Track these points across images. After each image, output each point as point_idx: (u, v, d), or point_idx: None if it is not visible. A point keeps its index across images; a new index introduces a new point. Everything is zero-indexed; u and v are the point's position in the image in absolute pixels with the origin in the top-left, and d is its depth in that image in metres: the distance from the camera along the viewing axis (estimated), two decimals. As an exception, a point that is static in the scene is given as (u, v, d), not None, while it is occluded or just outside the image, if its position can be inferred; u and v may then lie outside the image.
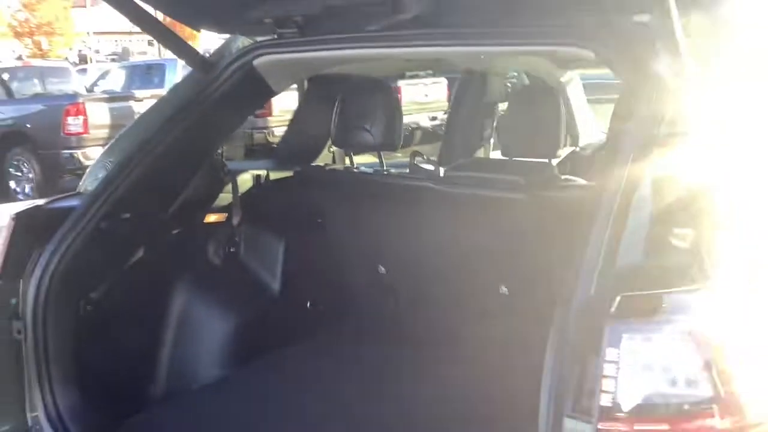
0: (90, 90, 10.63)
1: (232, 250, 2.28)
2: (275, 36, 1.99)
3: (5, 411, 1.83)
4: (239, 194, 2.30)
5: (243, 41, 2.09)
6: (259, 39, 2.04)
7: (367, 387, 1.95)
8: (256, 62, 2.00)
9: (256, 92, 2.12)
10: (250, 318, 2.21)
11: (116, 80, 11.41)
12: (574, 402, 1.06)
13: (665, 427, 1.01)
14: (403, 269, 2.29)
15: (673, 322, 1.05)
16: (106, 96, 9.11)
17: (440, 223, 2.12)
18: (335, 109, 2.26)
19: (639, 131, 1.35)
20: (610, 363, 1.03)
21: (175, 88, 2.27)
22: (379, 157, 2.29)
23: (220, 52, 2.11)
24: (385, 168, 2.31)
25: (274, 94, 2.15)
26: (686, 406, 1.03)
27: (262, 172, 2.43)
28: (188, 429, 1.92)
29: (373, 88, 2.26)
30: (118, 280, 1.98)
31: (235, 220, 2.26)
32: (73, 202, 1.91)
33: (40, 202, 1.91)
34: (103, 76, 12.13)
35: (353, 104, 2.25)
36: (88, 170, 2.05)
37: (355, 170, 2.34)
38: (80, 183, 2.03)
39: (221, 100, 2.04)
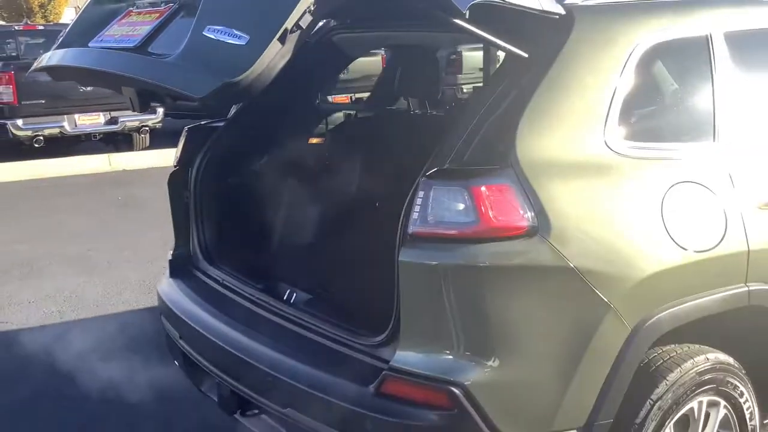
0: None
1: (326, 162, 3.44)
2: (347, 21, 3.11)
3: (180, 241, 3.14)
4: (334, 126, 3.48)
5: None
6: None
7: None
8: (335, 38, 3.13)
9: (339, 58, 3.26)
10: (334, 209, 3.35)
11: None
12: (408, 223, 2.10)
13: (442, 231, 2.03)
14: None
15: (459, 182, 2.06)
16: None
17: None
18: (398, 69, 3.35)
19: None
20: (420, 198, 2.06)
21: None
22: (424, 103, 3.35)
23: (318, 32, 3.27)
24: (429, 111, 3.38)
25: (351, 59, 3.27)
26: (458, 225, 2.03)
27: (353, 112, 3.58)
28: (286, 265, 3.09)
29: (421, 55, 3.31)
30: (249, 173, 3.22)
31: (327, 142, 3.43)
32: (221, 123, 3.17)
33: (203, 122, 3.21)
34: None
35: (409, 66, 3.32)
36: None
37: (411, 112, 3.43)
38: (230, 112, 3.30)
39: (317, 63, 3.20)
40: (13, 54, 11.69)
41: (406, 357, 2.10)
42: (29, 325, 4.79)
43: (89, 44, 2.62)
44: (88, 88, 10.88)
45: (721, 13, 2.65)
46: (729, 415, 2.55)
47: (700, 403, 2.44)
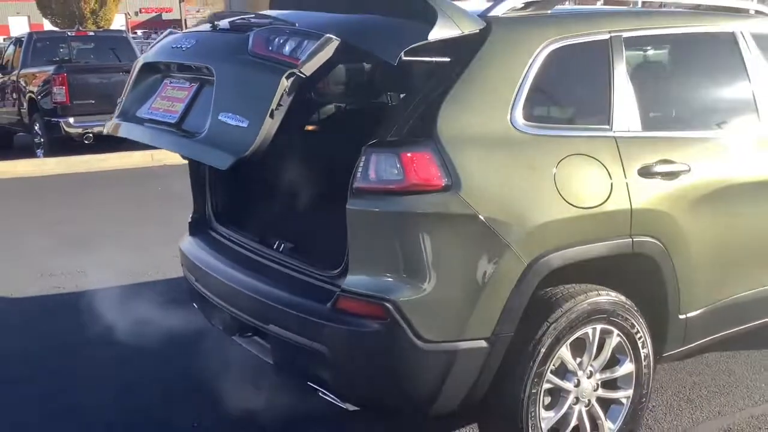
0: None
1: (318, 145, 4.17)
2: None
3: (197, 207, 3.89)
4: (327, 116, 4.21)
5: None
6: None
7: None
8: None
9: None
10: (320, 181, 4.01)
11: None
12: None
13: (379, 186, 2.73)
14: None
15: (392, 150, 2.75)
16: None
17: None
18: (377, 71, 4.07)
19: None
20: (363, 162, 2.76)
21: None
22: (399, 97, 4.06)
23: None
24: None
25: (338, 64, 3.99)
26: (390, 182, 2.72)
27: (343, 105, 4.30)
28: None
29: None
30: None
31: (320, 129, 4.16)
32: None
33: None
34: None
35: (385, 69, 4.02)
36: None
37: (389, 104, 4.14)
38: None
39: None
40: (66, 58, 12.67)
41: (353, 281, 2.81)
42: (79, 290, 5.62)
43: (143, 114, 3.50)
44: (134, 90, 11.91)
45: (620, 21, 3.32)
46: (623, 343, 3.20)
47: (594, 329, 3.10)
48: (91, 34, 14.65)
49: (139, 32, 73.53)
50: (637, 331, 3.20)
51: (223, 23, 3.35)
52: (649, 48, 3.42)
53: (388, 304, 2.73)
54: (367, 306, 2.78)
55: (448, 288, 2.78)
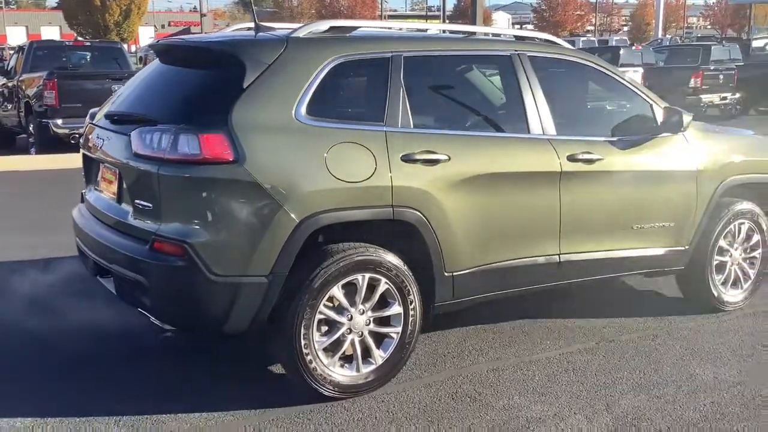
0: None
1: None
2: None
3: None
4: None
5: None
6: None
7: None
8: None
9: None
10: None
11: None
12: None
13: (182, 157, 3.69)
14: None
15: (193, 132, 3.71)
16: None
17: None
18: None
19: None
20: (174, 139, 3.73)
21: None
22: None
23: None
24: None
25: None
26: (191, 155, 3.69)
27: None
28: None
29: None
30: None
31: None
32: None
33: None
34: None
35: None
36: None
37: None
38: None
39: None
40: (62, 65, 13.86)
41: (164, 228, 3.76)
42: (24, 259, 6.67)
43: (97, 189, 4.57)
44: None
45: (404, 44, 4.28)
46: (391, 290, 4.12)
47: (363, 277, 4.02)
48: (88, 44, 15.87)
49: (166, 44, 75.64)
50: (403, 281, 4.12)
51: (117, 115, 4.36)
52: (427, 65, 4.36)
53: (186, 246, 3.69)
54: (172, 246, 3.73)
55: (234, 235, 3.73)
